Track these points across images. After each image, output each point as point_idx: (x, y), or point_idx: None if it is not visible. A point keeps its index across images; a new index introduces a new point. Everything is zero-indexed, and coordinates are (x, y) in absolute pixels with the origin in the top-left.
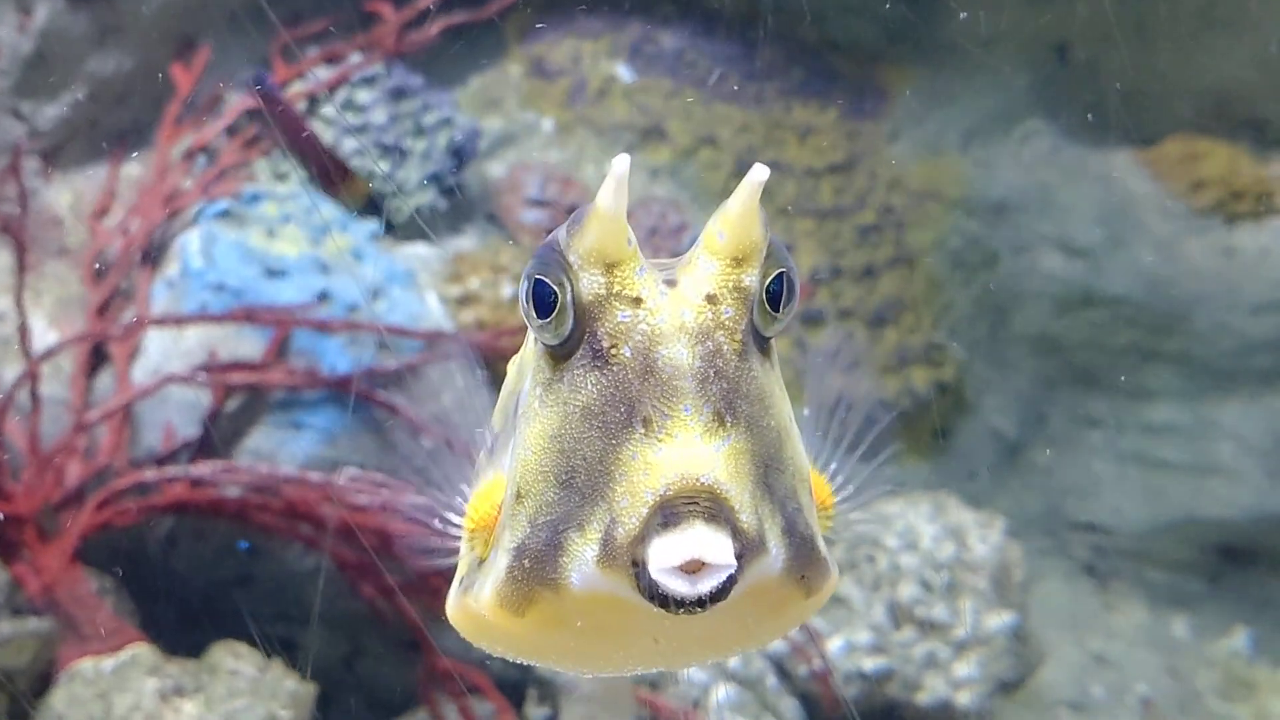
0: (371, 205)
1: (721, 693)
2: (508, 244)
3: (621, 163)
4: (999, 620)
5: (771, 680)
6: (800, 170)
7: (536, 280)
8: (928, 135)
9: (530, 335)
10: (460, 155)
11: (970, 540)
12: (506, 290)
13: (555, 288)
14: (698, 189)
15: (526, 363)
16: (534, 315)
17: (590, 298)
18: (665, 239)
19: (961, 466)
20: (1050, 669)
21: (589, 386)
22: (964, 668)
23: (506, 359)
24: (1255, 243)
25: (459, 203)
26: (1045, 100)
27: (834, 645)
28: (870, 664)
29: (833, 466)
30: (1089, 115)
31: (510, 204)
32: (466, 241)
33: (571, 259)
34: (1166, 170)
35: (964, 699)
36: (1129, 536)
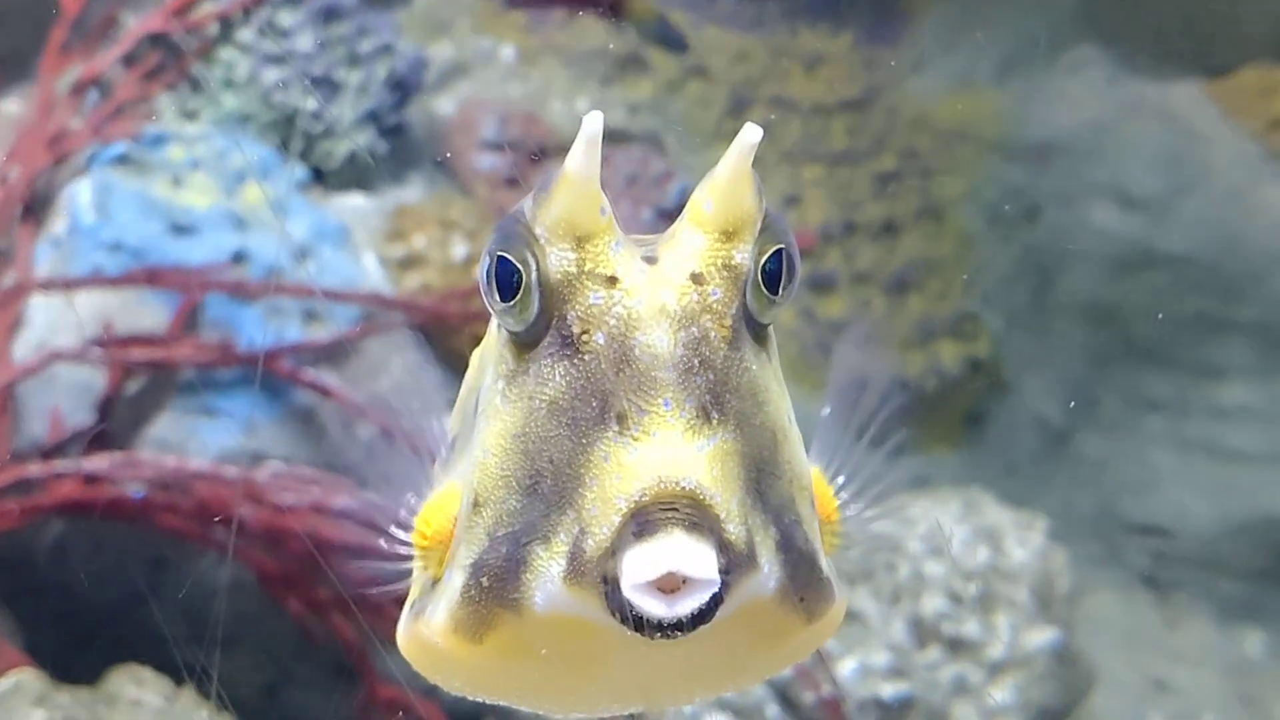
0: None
1: None
2: (459, 195)
3: (593, 121)
4: (1040, 638)
5: (773, 709)
6: (807, 107)
7: (498, 257)
8: (958, 65)
9: (493, 323)
10: (403, 89)
11: (1007, 544)
12: (458, 250)
13: (519, 266)
14: (686, 129)
15: (489, 355)
16: (496, 297)
17: (559, 277)
18: (647, 188)
19: (998, 458)
20: (1101, 695)
21: (557, 378)
22: (999, 694)
23: (454, 330)
24: None
25: (401, 146)
26: (1097, 23)
27: (846, 668)
28: (889, 690)
29: (842, 478)
30: (1149, 40)
31: (462, 147)
32: (410, 192)
33: (538, 232)
34: (1240, 105)
35: None
36: (1194, 540)
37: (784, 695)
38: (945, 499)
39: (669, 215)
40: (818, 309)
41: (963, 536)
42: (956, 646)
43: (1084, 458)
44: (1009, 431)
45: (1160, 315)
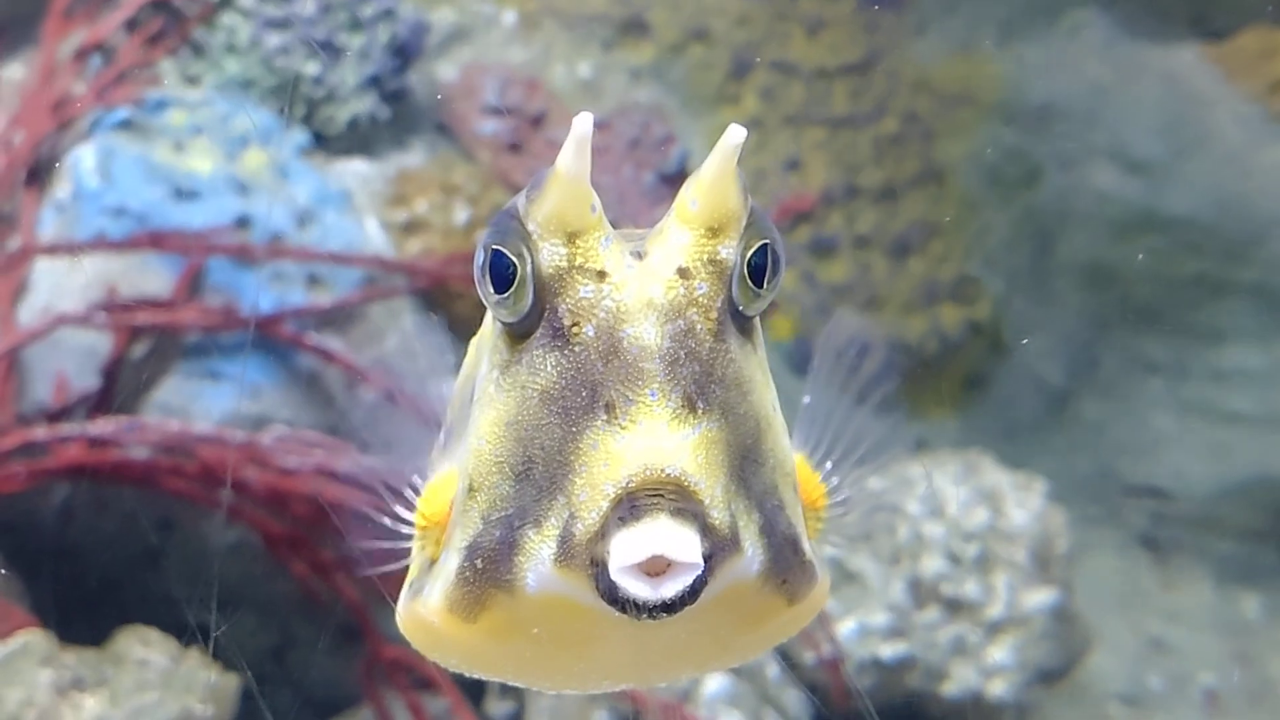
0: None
1: (714, 684)
2: (461, 160)
3: (583, 121)
4: (1039, 598)
5: (773, 670)
6: (809, 71)
7: (493, 251)
8: (959, 28)
9: (489, 314)
10: (405, 53)
11: (1006, 506)
12: (460, 215)
13: (514, 259)
14: (687, 93)
15: (484, 345)
16: (490, 290)
17: (550, 270)
18: (649, 153)
19: (998, 420)
20: (1099, 656)
21: (548, 368)
22: (998, 653)
23: (456, 295)
24: None
25: (403, 111)
26: None
27: (845, 628)
28: (888, 650)
29: (829, 464)
30: (1149, 3)
31: (464, 112)
32: (413, 157)
33: (530, 228)
34: (1240, 68)
35: (997, 689)
36: (1193, 502)
37: (784, 655)
38: (945, 461)
39: (671, 179)
40: (819, 273)
41: (962, 498)
42: (955, 607)
43: (1083, 420)
44: (1009, 394)
45: (1140, 255)
